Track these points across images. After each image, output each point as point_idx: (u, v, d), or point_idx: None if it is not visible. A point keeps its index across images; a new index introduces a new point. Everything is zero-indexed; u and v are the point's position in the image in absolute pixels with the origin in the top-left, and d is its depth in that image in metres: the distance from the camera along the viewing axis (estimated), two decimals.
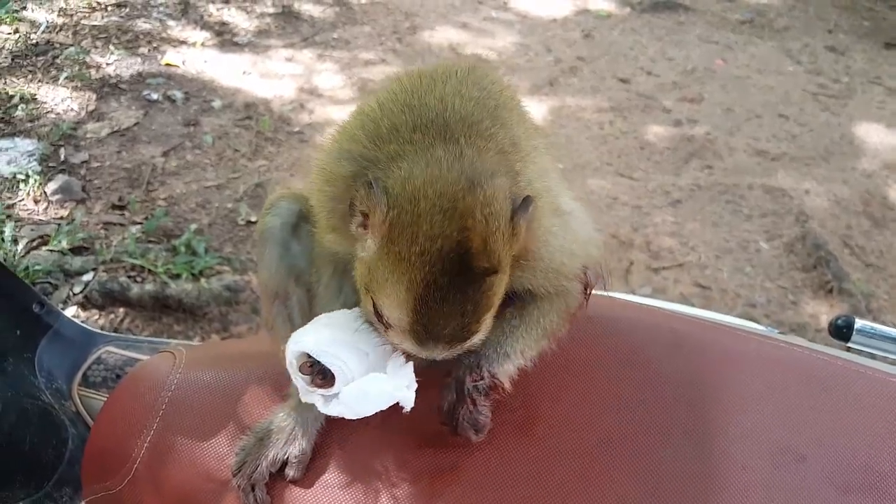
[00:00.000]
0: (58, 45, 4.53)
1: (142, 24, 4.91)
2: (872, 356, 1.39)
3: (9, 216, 3.26)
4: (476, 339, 0.86)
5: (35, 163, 3.58)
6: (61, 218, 3.33)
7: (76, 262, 3.10)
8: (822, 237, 3.77)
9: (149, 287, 3.02)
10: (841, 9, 6.46)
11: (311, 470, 1.00)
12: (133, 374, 1.25)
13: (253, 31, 5.08)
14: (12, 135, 3.76)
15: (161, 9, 5.12)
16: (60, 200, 3.42)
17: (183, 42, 4.82)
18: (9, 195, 3.40)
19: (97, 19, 4.88)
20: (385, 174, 0.85)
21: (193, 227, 3.36)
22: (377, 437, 1.00)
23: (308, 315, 1.07)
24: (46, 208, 3.38)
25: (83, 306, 2.96)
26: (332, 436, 1.02)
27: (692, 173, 4.22)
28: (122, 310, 2.98)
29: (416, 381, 0.93)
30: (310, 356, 0.94)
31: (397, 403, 0.92)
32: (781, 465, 0.94)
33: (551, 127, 4.43)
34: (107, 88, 4.25)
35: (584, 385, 1.06)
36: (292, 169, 3.86)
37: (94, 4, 5.01)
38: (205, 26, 5.04)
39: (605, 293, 1.21)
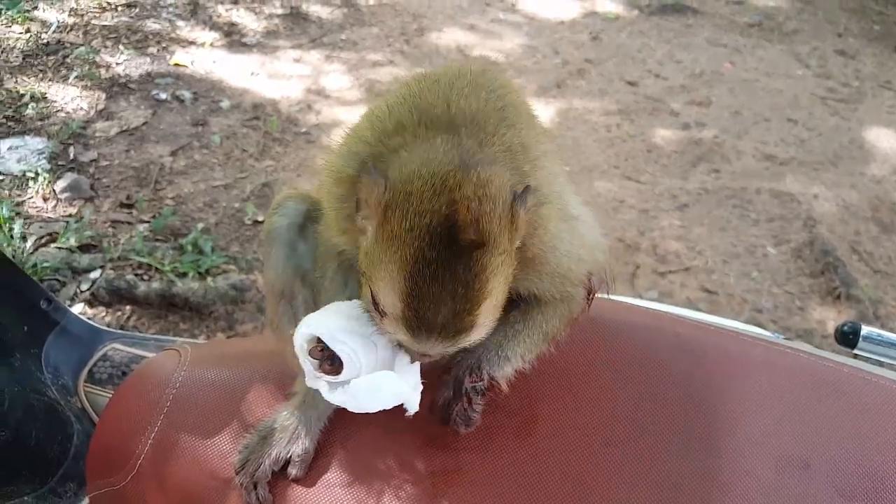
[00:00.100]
0: (68, 45, 4.56)
1: (151, 25, 4.94)
2: (880, 363, 1.39)
3: (18, 213, 3.28)
4: (472, 338, 0.85)
5: (44, 161, 3.61)
6: (70, 216, 3.35)
7: (84, 259, 3.11)
8: (831, 243, 3.75)
9: (155, 285, 3.04)
10: (851, 12, 6.43)
11: (313, 469, 1.00)
12: (138, 371, 1.25)
13: (261, 32, 5.10)
14: (22, 133, 3.78)
15: (170, 9, 5.15)
16: (69, 198, 3.44)
17: (192, 42, 4.84)
18: (18, 193, 3.42)
19: (107, 19, 4.91)
20: (387, 164, 0.87)
21: (200, 226, 3.38)
22: (380, 437, 1.00)
23: None
24: (55, 206, 3.40)
25: (90, 303, 2.97)
26: (334, 435, 1.02)
27: (699, 177, 4.20)
28: (128, 307, 3.00)
29: (422, 383, 0.93)
30: (320, 341, 0.94)
31: (402, 404, 0.92)
32: (785, 472, 0.94)
33: (558, 129, 4.43)
34: (116, 88, 4.28)
35: (588, 387, 1.06)
36: (299, 169, 3.87)
37: (105, 4, 5.04)
38: (214, 27, 5.06)
39: (609, 297, 1.20)
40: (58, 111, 4.00)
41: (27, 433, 1.65)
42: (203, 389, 1.12)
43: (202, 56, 4.71)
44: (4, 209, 3.21)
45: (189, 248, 3.23)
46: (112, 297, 3.00)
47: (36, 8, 4.86)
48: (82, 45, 4.58)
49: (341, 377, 0.93)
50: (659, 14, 6.08)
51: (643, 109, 4.78)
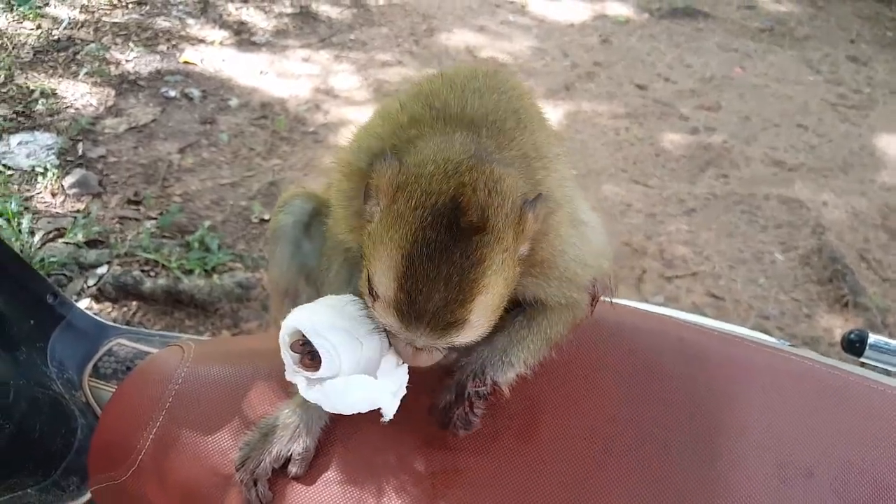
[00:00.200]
0: (79, 42, 4.59)
1: (161, 22, 4.96)
2: (887, 372, 1.37)
3: (26, 208, 3.30)
4: (463, 337, 0.84)
5: (53, 156, 3.63)
6: (78, 211, 3.37)
7: (91, 255, 3.13)
8: (839, 250, 3.73)
9: (162, 282, 3.05)
10: (864, 19, 6.39)
11: (313, 467, 0.99)
12: (141, 366, 1.26)
13: (271, 31, 5.12)
14: (32, 128, 3.81)
15: (180, 7, 5.17)
16: (77, 194, 3.46)
17: (201, 40, 4.86)
18: (27, 188, 3.44)
19: (118, 16, 4.94)
20: (401, 154, 0.87)
21: (207, 223, 3.39)
22: (380, 437, 1.00)
23: None
24: (63, 201, 3.42)
25: (97, 299, 2.99)
26: (335, 434, 1.02)
27: (708, 182, 4.19)
28: (134, 303, 3.01)
29: (407, 387, 0.93)
30: (304, 335, 0.93)
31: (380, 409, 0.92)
32: (788, 479, 0.93)
33: (567, 132, 4.42)
34: (126, 85, 4.30)
35: (590, 390, 1.05)
36: (306, 168, 3.88)
37: (115, 2, 5.07)
38: (223, 25, 5.08)
39: (614, 301, 1.20)
40: (67, 107, 4.03)
41: (31, 426, 1.65)
42: (205, 386, 1.12)
43: (211, 54, 4.73)
44: (13, 204, 3.23)
45: (196, 245, 3.24)
46: (118, 292, 3.01)
47: (47, 4, 4.89)
48: (93, 41, 4.60)
49: (318, 373, 0.92)
50: (669, 18, 6.07)
51: (652, 113, 4.77)
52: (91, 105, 4.08)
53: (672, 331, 1.16)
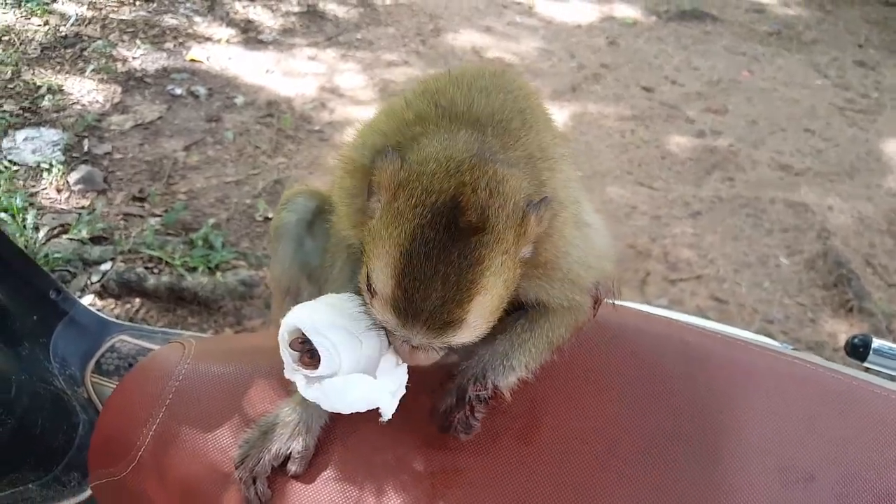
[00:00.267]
0: (86, 38, 4.60)
1: (168, 20, 4.97)
2: (891, 377, 1.36)
3: (31, 204, 3.31)
4: (460, 337, 0.83)
5: (59, 152, 3.64)
6: (82, 207, 3.38)
7: (95, 251, 3.13)
8: (845, 255, 3.71)
9: (165, 279, 3.05)
10: (872, 23, 6.36)
11: (313, 466, 0.99)
12: (142, 363, 1.26)
13: (277, 30, 5.12)
14: (38, 124, 3.82)
15: (188, 5, 5.18)
16: (82, 190, 3.47)
17: (208, 38, 4.87)
18: (32, 183, 3.45)
19: (125, 13, 4.95)
20: (405, 151, 0.86)
21: (211, 221, 3.39)
22: (380, 436, 1.00)
23: None
24: (68, 198, 3.42)
25: (100, 295, 2.99)
26: (335, 432, 1.02)
27: (713, 185, 4.17)
28: (138, 300, 3.01)
29: (406, 387, 0.93)
30: (303, 333, 0.93)
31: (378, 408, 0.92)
32: (789, 484, 0.92)
33: (572, 133, 4.41)
34: (132, 82, 4.31)
35: (591, 392, 1.05)
36: (311, 167, 3.88)
37: None
38: (230, 23, 5.09)
39: (617, 303, 1.19)
40: (74, 103, 4.04)
41: (33, 422, 1.66)
42: (206, 383, 1.12)
43: (218, 52, 4.74)
44: (18, 199, 3.24)
45: (199, 242, 3.25)
46: (122, 289, 3.01)
47: (55, 1, 4.91)
48: (100, 38, 4.62)
49: (318, 372, 0.92)
50: (677, 20, 6.05)
51: (658, 116, 4.75)
52: (97, 102, 4.09)
53: (675, 333, 1.15)
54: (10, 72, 4.14)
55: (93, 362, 1.91)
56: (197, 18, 5.06)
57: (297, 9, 5.41)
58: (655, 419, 1.01)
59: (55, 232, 3.21)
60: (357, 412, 0.94)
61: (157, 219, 3.39)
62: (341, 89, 4.58)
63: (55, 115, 3.91)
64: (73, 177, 3.50)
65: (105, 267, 3.09)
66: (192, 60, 4.60)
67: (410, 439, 0.99)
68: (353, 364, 0.92)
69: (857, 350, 1.38)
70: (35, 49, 4.40)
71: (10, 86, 4.05)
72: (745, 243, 3.78)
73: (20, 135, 3.71)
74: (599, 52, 5.44)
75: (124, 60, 4.47)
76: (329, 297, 1.00)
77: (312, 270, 1.23)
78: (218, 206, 3.54)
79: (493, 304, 0.83)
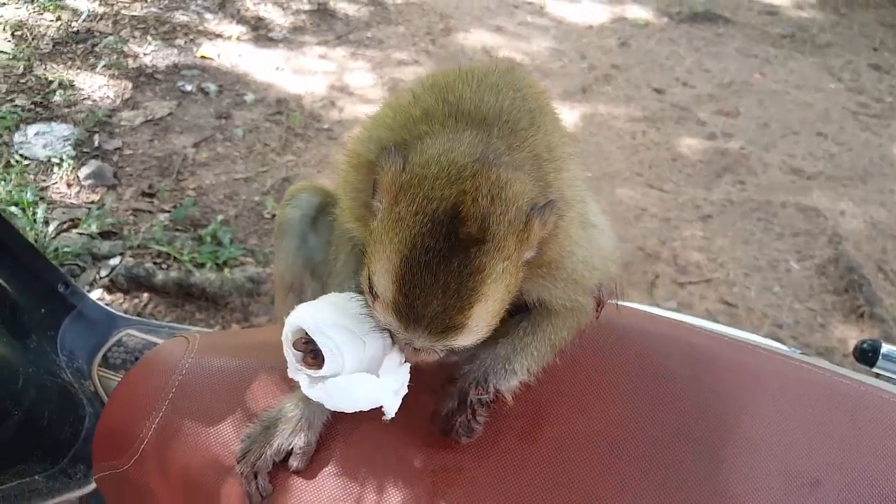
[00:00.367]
0: (97, 34, 4.63)
1: (180, 17, 4.99)
2: None
3: (42, 198, 3.33)
4: (462, 340, 0.83)
5: (70, 147, 3.66)
6: (92, 202, 3.40)
7: (104, 246, 3.15)
8: (856, 260, 3.67)
9: (173, 274, 3.06)
10: (887, 27, 6.31)
11: (314, 462, 0.99)
12: (147, 357, 1.26)
13: (288, 28, 5.14)
14: (49, 119, 3.85)
15: (199, 2, 5.20)
16: (92, 185, 3.49)
17: (219, 35, 4.89)
18: (43, 178, 3.48)
19: (137, 10, 4.98)
20: (409, 150, 0.86)
21: (220, 217, 3.40)
22: (382, 434, 0.99)
23: None
24: (78, 192, 3.45)
25: (108, 289, 3.01)
26: (337, 429, 1.01)
27: (724, 188, 4.14)
28: (146, 295, 3.03)
29: (409, 386, 0.92)
30: (307, 333, 0.93)
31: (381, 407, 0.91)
32: (794, 488, 0.91)
33: (582, 134, 4.39)
34: (143, 78, 4.33)
35: (595, 392, 1.04)
36: (320, 165, 3.88)
37: None
38: (241, 21, 5.11)
39: (623, 305, 1.18)
40: (85, 99, 4.06)
41: (40, 414, 1.66)
42: (209, 377, 1.12)
43: (228, 49, 4.75)
44: (29, 194, 3.27)
45: (208, 239, 3.26)
46: (130, 284, 3.03)
47: None
48: (111, 34, 4.65)
49: (321, 372, 0.92)
50: (689, 22, 6.02)
51: (669, 117, 4.73)
52: (108, 97, 4.11)
53: (682, 335, 1.14)
54: (22, 67, 4.17)
55: (100, 356, 1.92)
56: (208, 15, 5.08)
57: (307, 7, 5.42)
58: (660, 421, 1.00)
59: (65, 226, 3.23)
60: (359, 411, 0.94)
61: (166, 214, 3.41)
62: (351, 88, 4.59)
63: (66, 110, 3.94)
64: (84, 172, 3.52)
65: (114, 262, 3.11)
66: (203, 57, 4.62)
67: (413, 437, 0.99)
68: (356, 364, 0.92)
69: (867, 355, 1.37)
70: (47, 44, 4.43)
71: (22, 81, 4.08)
72: (755, 247, 3.75)
73: (31, 129, 3.74)
74: (610, 53, 5.42)
75: (135, 56, 4.50)
76: (332, 296, 1.00)
77: (316, 266, 1.23)
78: (226, 203, 3.55)
79: (494, 309, 0.83)
